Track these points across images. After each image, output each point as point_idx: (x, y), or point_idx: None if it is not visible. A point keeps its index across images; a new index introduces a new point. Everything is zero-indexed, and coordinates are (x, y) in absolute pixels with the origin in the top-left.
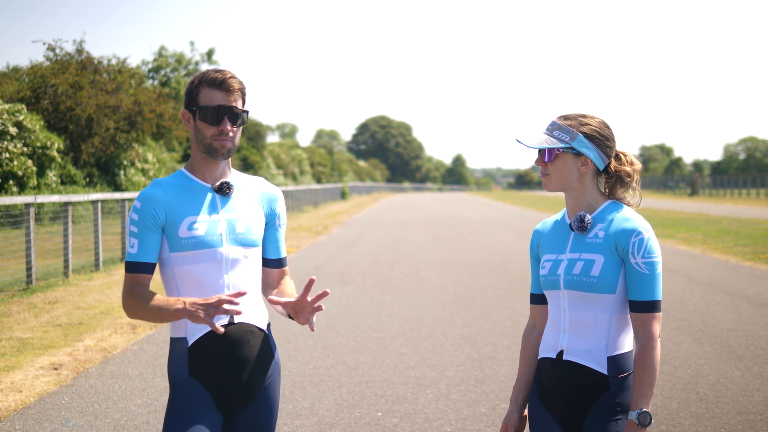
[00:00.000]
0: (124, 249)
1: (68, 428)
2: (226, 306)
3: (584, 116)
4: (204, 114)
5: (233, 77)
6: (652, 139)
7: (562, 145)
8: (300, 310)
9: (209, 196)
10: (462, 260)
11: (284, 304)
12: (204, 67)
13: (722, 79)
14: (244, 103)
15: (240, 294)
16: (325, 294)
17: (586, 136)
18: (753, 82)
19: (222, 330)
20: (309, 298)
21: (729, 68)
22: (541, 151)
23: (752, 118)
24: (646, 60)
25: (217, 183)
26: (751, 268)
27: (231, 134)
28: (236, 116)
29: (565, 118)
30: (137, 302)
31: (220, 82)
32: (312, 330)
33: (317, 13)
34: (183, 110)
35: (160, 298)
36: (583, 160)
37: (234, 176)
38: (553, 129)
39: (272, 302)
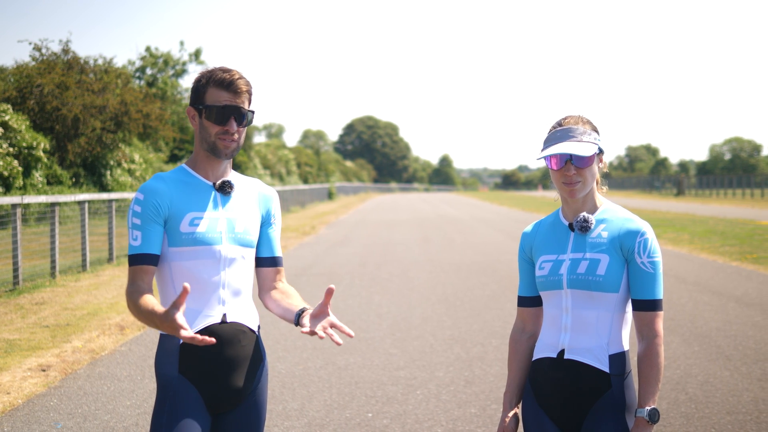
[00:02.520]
0: (112, 250)
1: (57, 430)
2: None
3: (581, 117)
4: (210, 113)
5: (241, 78)
6: (638, 139)
7: (599, 147)
8: (317, 316)
9: (211, 193)
10: (450, 261)
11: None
12: (192, 67)
13: (708, 79)
14: (250, 103)
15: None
16: (347, 334)
17: (598, 134)
18: (738, 83)
19: (213, 340)
20: (332, 319)
21: (714, 69)
22: (578, 159)
23: (738, 118)
24: (632, 61)
25: (219, 181)
26: (738, 268)
27: (236, 135)
28: (242, 116)
29: (576, 120)
30: (134, 305)
31: (228, 83)
32: (320, 337)
33: (304, 14)
34: (188, 107)
35: (151, 305)
36: (600, 158)
37: (233, 176)
38: (581, 133)
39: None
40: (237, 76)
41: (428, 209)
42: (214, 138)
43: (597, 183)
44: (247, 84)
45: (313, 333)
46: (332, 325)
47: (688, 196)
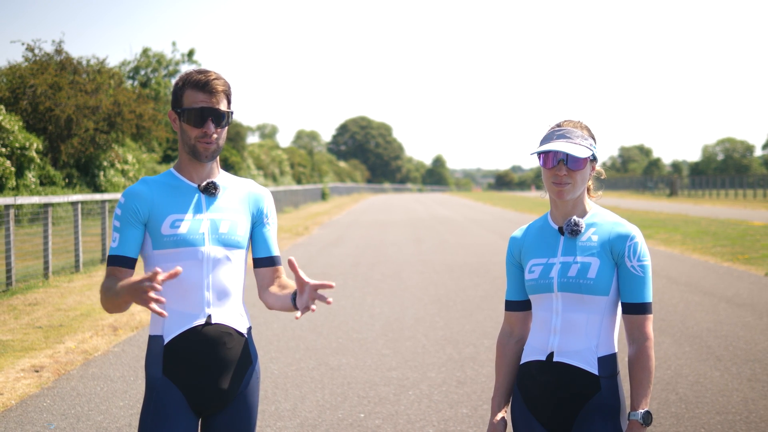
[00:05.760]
0: (104, 250)
1: (50, 431)
2: (151, 294)
3: (580, 122)
4: (188, 116)
5: (217, 78)
6: (631, 140)
7: (593, 153)
8: (302, 294)
9: (195, 195)
10: (443, 261)
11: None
12: (185, 67)
13: (701, 80)
14: (228, 103)
15: (171, 275)
16: (328, 286)
17: (595, 142)
18: (731, 84)
19: (165, 314)
20: (309, 282)
21: (707, 70)
22: (572, 159)
23: (730, 119)
24: (626, 61)
25: (203, 183)
26: (729, 269)
27: (215, 136)
28: (220, 117)
29: (575, 124)
30: (103, 292)
31: (203, 84)
32: (313, 310)
33: (297, 15)
34: (170, 111)
35: (119, 283)
36: (593, 165)
37: (222, 177)
38: (578, 137)
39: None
40: (213, 77)
41: (421, 210)
42: (194, 141)
43: (589, 190)
44: (224, 84)
45: (307, 309)
46: (315, 289)
47: (681, 196)
